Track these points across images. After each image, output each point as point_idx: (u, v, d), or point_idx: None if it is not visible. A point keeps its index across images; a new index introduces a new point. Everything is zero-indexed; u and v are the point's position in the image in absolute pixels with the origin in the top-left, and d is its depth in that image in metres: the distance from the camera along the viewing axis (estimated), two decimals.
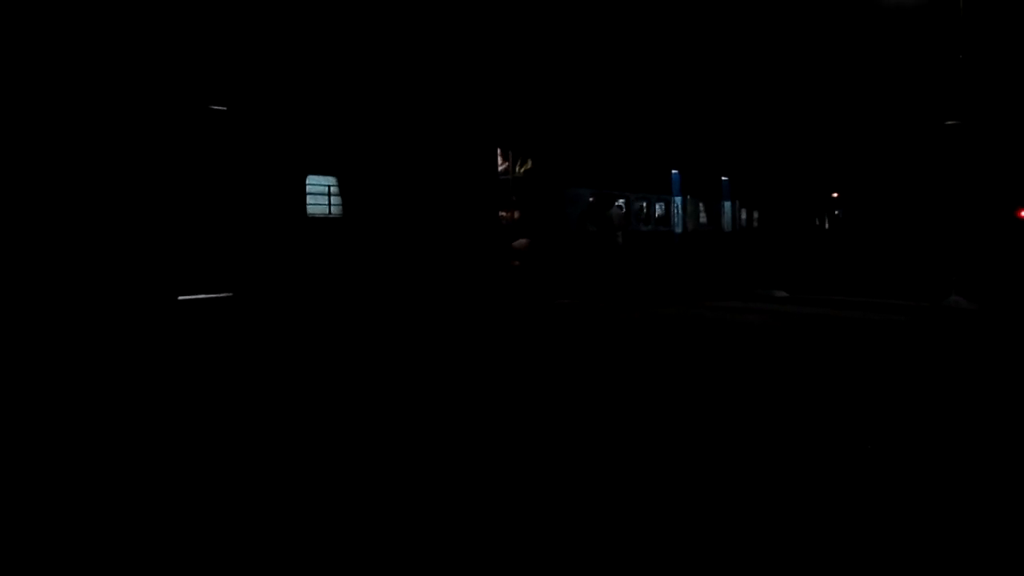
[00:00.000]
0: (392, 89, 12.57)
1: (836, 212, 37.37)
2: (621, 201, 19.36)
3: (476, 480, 4.15)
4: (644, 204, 20.77)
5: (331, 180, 11.40)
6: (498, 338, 9.66)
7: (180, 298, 9.24)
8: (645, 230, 20.53)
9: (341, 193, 11.48)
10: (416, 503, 3.82)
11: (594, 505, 3.75)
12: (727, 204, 26.47)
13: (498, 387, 6.61)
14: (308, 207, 11.02)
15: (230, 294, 9.78)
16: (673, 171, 22.35)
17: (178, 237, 9.26)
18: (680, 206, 22.85)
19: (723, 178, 26.06)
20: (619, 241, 16.15)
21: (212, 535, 3.49)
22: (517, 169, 16.77)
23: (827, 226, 36.93)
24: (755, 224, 28.43)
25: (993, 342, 8.82)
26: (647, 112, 21.49)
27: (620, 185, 19.28)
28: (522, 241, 15.41)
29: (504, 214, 16.12)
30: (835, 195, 35.81)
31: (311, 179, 11.08)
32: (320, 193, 11.23)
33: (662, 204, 21.70)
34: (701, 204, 24.71)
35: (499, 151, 15.81)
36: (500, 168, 16.01)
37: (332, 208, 11.40)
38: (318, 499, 3.90)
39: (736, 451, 4.60)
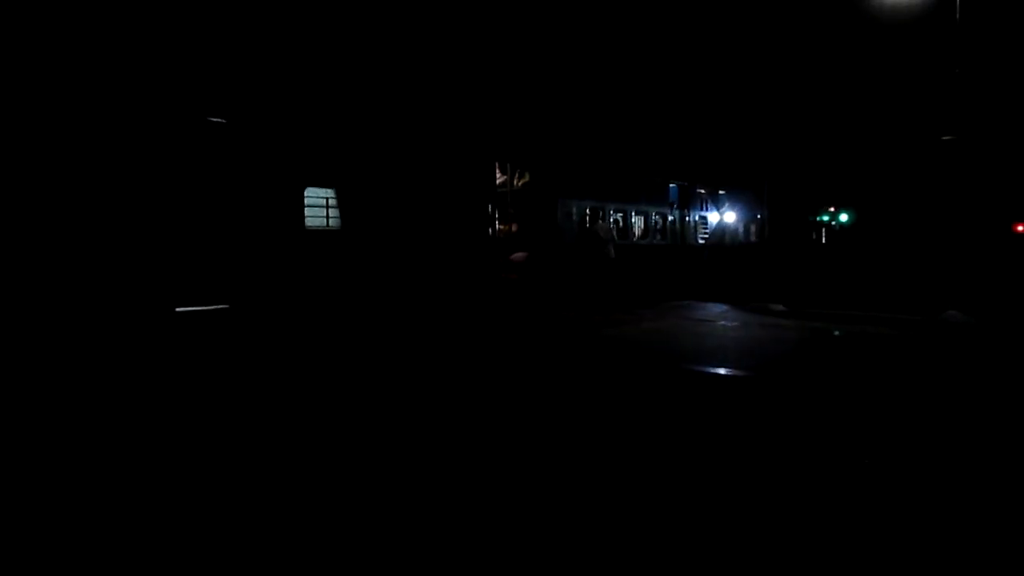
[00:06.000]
0: (391, 103, 12.63)
1: (833, 224, 37.45)
2: (618, 216, 19.42)
3: (472, 488, 4.14)
4: (642, 217, 20.83)
5: (329, 193, 11.43)
6: (494, 350, 9.65)
7: (178, 310, 9.23)
8: (643, 243, 20.57)
9: (339, 206, 11.50)
10: (413, 507, 3.81)
11: (591, 509, 3.74)
12: (725, 217, 26.58)
13: (492, 400, 6.60)
14: (306, 219, 11.04)
15: (227, 306, 9.78)
16: (671, 184, 22.45)
17: (176, 249, 9.27)
18: (678, 219, 22.95)
19: (720, 192, 26.18)
20: (611, 255, 16.19)
21: (211, 536, 3.48)
22: (515, 182, 16.83)
23: (824, 240, 36.98)
24: (752, 238, 28.51)
25: (988, 356, 8.83)
26: (645, 126, 21.60)
27: (618, 198, 19.34)
28: (519, 255, 15.43)
29: (502, 227, 16.16)
30: (832, 208, 35.91)
31: (309, 191, 11.10)
32: (318, 206, 11.26)
33: (659, 217, 21.77)
34: (698, 217, 24.80)
35: (497, 164, 15.88)
36: (498, 181, 16.07)
37: (330, 220, 11.42)
38: (315, 503, 3.89)
39: (735, 461, 4.59)
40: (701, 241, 24.80)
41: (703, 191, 25.10)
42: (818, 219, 36.70)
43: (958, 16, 15.00)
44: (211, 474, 4.61)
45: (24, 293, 7.89)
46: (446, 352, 9.56)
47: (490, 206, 14.93)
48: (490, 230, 14.94)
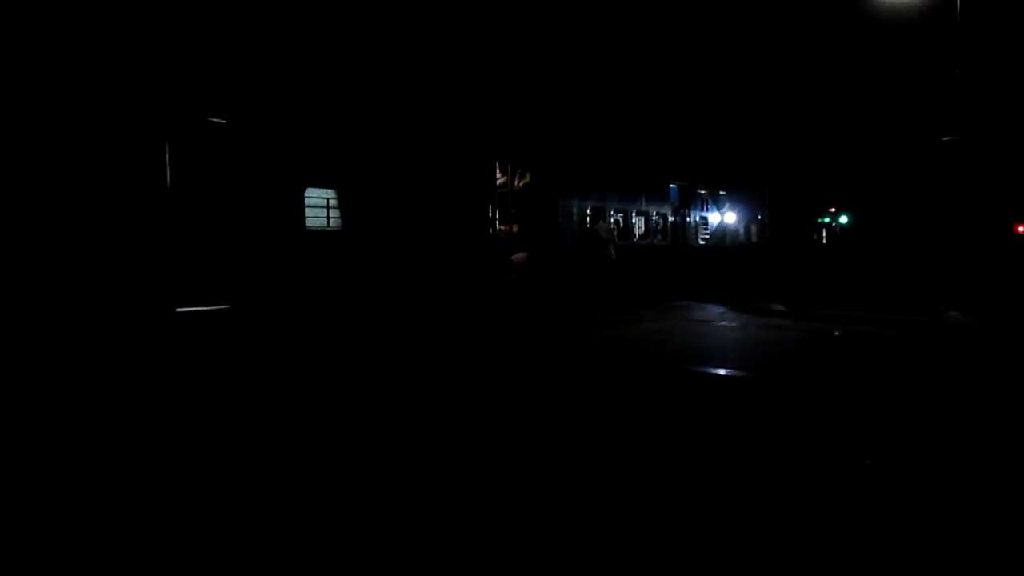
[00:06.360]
0: (391, 103, 12.63)
1: (833, 226, 37.47)
2: (619, 216, 19.42)
3: (472, 489, 4.14)
4: (642, 218, 20.82)
5: (330, 193, 11.42)
6: (495, 351, 9.65)
7: (178, 310, 9.23)
8: (643, 244, 20.56)
9: (340, 206, 11.50)
10: (412, 508, 3.81)
11: (591, 509, 3.74)
12: (725, 217, 26.57)
13: (493, 401, 6.60)
14: (307, 220, 11.04)
15: (228, 306, 9.78)
16: (672, 185, 22.44)
17: (177, 249, 9.27)
18: (679, 219, 22.94)
19: (721, 192, 26.16)
20: (612, 256, 16.19)
21: (212, 536, 3.48)
22: (516, 183, 16.84)
23: (824, 241, 37.00)
24: (753, 238, 28.50)
25: (989, 357, 8.83)
26: (646, 126, 21.59)
27: (618, 199, 19.34)
28: (520, 255, 15.43)
29: (503, 228, 16.15)
30: (832, 209, 35.93)
31: (310, 192, 11.10)
32: (319, 206, 11.25)
33: (660, 218, 21.76)
34: (699, 217, 24.79)
35: (498, 165, 15.87)
36: (499, 182, 16.06)
37: (331, 221, 11.41)
38: (315, 503, 3.89)
39: (736, 461, 4.59)
40: (702, 242, 24.78)
41: (704, 192, 25.08)
42: (819, 220, 36.69)
43: (958, 17, 15.00)
44: (211, 474, 4.61)
45: (24, 293, 7.89)
46: (447, 353, 9.56)
47: (491, 207, 14.93)
48: (491, 230, 14.94)
